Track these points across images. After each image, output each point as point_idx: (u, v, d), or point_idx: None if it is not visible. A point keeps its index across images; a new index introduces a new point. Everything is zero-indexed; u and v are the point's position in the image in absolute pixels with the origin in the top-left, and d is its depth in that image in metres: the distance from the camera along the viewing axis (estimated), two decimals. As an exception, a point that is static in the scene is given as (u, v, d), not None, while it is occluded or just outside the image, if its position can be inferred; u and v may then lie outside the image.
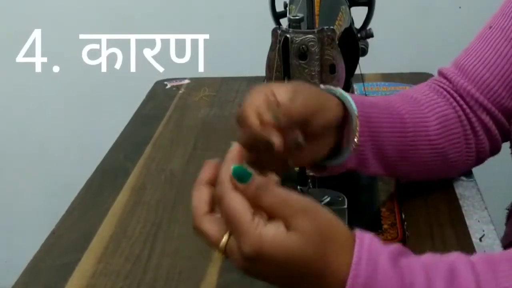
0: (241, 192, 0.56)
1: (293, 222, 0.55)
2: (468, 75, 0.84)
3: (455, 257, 0.58)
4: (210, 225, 0.58)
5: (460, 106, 0.83)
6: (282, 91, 0.67)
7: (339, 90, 0.73)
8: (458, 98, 0.84)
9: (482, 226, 0.79)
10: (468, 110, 0.83)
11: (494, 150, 0.87)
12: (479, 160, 0.87)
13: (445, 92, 0.85)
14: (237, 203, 0.56)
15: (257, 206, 0.56)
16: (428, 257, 0.59)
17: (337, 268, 0.55)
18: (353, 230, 0.58)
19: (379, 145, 0.77)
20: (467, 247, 0.75)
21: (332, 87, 0.73)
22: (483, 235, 0.78)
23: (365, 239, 0.56)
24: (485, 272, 0.56)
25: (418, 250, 0.72)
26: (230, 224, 0.56)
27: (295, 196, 0.56)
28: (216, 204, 0.59)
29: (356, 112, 0.72)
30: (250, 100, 0.65)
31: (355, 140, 0.72)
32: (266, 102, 0.65)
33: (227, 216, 0.56)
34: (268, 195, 0.55)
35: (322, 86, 0.74)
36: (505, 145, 0.88)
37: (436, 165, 0.82)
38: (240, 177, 0.57)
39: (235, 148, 0.61)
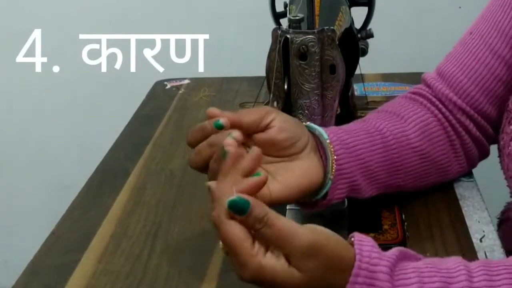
0: (239, 222, 0.56)
1: (294, 261, 0.55)
2: (447, 81, 0.85)
3: (452, 265, 0.59)
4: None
5: (439, 110, 0.84)
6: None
7: (308, 123, 0.74)
8: (437, 103, 0.84)
9: (482, 227, 0.79)
10: (447, 113, 0.83)
11: (482, 153, 0.87)
12: (471, 162, 0.87)
13: (421, 99, 0.85)
14: (235, 230, 0.55)
15: (256, 236, 0.56)
16: (426, 264, 0.59)
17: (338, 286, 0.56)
18: (353, 247, 0.58)
19: (366, 167, 0.76)
20: (467, 248, 0.75)
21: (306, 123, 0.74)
22: (484, 235, 0.77)
23: (364, 252, 0.57)
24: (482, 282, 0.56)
25: (418, 250, 0.72)
26: (230, 250, 0.56)
27: (299, 230, 0.55)
28: None
29: (327, 138, 0.72)
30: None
31: (333, 167, 0.72)
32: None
33: (226, 244, 0.56)
34: (267, 228, 0.55)
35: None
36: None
37: (427, 171, 0.82)
38: (236, 211, 0.55)
39: (229, 159, 0.60)
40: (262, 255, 0.55)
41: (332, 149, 0.72)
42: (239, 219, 0.55)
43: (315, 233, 0.56)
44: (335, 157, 0.72)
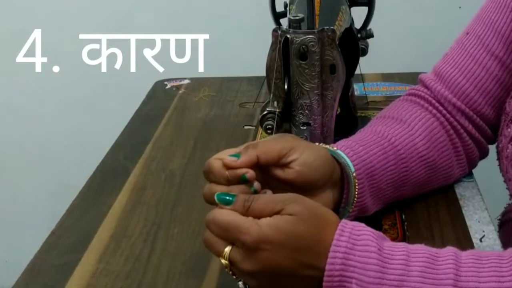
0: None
1: (284, 211, 0.59)
2: (445, 82, 0.85)
3: (443, 248, 0.61)
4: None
5: (440, 112, 0.84)
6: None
7: (336, 150, 0.73)
8: (437, 105, 0.84)
9: (482, 227, 0.79)
10: (448, 115, 0.84)
11: (482, 153, 0.88)
12: (471, 164, 0.87)
13: (422, 102, 0.85)
14: (227, 215, 0.60)
15: (249, 215, 0.59)
16: (416, 245, 0.61)
17: (328, 240, 0.59)
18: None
19: (377, 188, 0.76)
20: (467, 248, 0.74)
21: (326, 146, 0.74)
22: (484, 235, 0.77)
23: (348, 223, 0.61)
24: (469, 262, 0.58)
25: (418, 250, 0.72)
26: (228, 234, 0.59)
27: (282, 194, 0.61)
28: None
29: (353, 172, 0.73)
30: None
31: (354, 201, 0.73)
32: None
33: (222, 230, 0.60)
34: (256, 202, 0.59)
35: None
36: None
37: (432, 178, 0.82)
38: (224, 201, 0.61)
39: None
40: (257, 220, 0.59)
41: (356, 184, 0.73)
42: (231, 208, 0.60)
43: (296, 194, 0.62)
44: (356, 192, 0.73)
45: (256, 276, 0.60)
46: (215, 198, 0.61)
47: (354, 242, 0.58)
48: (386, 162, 0.76)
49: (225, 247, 0.60)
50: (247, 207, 0.59)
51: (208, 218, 0.61)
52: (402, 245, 0.60)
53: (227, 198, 0.61)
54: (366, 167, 0.74)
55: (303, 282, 0.60)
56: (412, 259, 0.58)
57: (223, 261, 0.60)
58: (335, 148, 0.74)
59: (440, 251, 0.60)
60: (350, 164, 0.73)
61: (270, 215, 0.59)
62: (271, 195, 0.63)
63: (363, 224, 0.61)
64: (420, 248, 0.60)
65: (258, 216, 0.59)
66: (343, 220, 0.60)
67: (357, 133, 0.82)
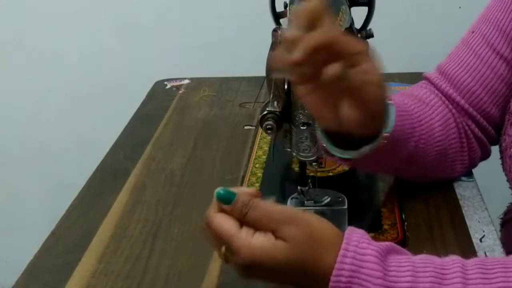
0: (228, 213, 0.60)
1: (279, 232, 0.58)
2: (451, 80, 0.85)
3: (448, 259, 0.59)
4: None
5: (450, 109, 0.84)
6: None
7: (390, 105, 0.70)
8: (447, 102, 0.84)
9: (482, 227, 0.79)
10: (456, 114, 0.84)
11: (484, 154, 0.88)
12: (472, 161, 0.87)
13: (439, 94, 0.85)
14: (223, 221, 0.59)
15: (245, 222, 0.59)
16: (421, 257, 0.60)
17: (327, 264, 0.57)
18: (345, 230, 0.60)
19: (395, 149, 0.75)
20: (468, 248, 0.75)
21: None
22: (484, 235, 0.77)
23: (353, 236, 0.59)
24: (476, 278, 0.57)
25: (418, 250, 0.72)
26: (222, 241, 0.59)
27: (279, 208, 0.60)
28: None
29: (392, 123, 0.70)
30: None
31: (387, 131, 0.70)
32: None
33: (217, 236, 0.60)
34: (253, 211, 0.59)
35: None
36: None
37: (436, 165, 0.82)
38: (224, 199, 0.60)
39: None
40: (250, 236, 0.58)
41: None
42: (228, 208, 0.59)
43: (296, 209, 0.62)
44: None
45: (248, 277, 0.60)
46: (215, 194, 0.60)
47: (358, 264, 0.57)
48: (412, 130, 0.77)
49: (221, 246, 0.60)
50: (244, 213, 0.59)
51: (205, 220, 0.61)
52: (407, 262, 0.58)
53: (228, 195, 0.60)
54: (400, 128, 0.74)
55: None
56: (419, 279, 0.57)
57: (219, 255, 0.61)
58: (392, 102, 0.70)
59: (446, 264, 0.58)
60: (392, 121, 0.70)
61: (265, 229, 0.58)
62: (271, 205, 0.60)
63: (367, 240, 0.58)
64: (426, 264, 0.58)
65: (252, 226, 0.59)
66: (345, 240, 0.58)
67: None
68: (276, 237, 0.58)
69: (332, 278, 0.56)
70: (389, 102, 0.69)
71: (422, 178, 0.84)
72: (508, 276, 0.56)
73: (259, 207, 0.59)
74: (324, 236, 0.59)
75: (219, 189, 0.60)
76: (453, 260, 0.59)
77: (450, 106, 0.84)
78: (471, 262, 0.59)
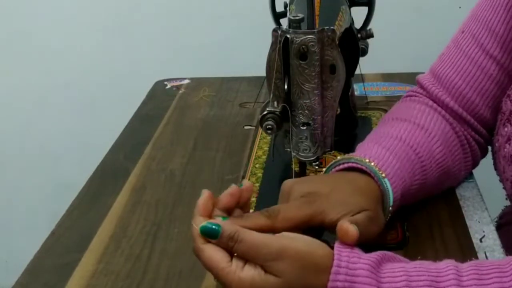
0: (217, 244, 0.59)
1: (269, 268, 0.57)
2: (443, 84, 0.85)
3: (442, 265, 0.59)
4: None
5: (447, 119, 0.84)
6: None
7: (382, 176, 0.72)
8: (443, 112, 0.84)
9: (482, 227, 0.79)
10: (455, 123, 0.84)
11: (483, 153, 0.89)
12: (475, 163, 0.88)
13: (434, 105, 0.84)
14: (212, 254, 0.59)
15: (234, 252, 0.59)
16: (415, 265, 0.59)
17: (321, 286, 0.57)
18: (333, 247, 0.59)
19: (403, 200, 0.76)
20: (468, 248, 0.75)
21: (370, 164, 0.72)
22: (484, 235, 0.77)
23: (343, 253, 0.58)
24: (472, 285, 0.57)
25: (418, 250, 0.72)
26: (213, 274, 0.59)
27: (266, 240, 0.58)
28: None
29: (391, 206, 0.72)
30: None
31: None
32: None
33: (208, 268, 0.60)
34: (239, 245, 0.58)
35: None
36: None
37: (441, 182, 0.83)
38: (208, 235, 0.60)
39: (202, 199, 0.64)
40: (240, 270, 0.58)
41: (390, 211, 0.73)
42: (215, 243, 0.59)
43: (282, 237, 0.59)
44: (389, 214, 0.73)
45: None
46: (199, 231, 0.60)
47: (351, 280, 0.57)
48: (413, 175, 0.77)
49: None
50: (231, 247, 0.58)
51: (194, 252, 0.61)
52: (401, 271, 0.58)
53: (213, 227, 0.59)
54: (402, 191, 0.74)
55: None
56: None
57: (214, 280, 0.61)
58: (383, 176, 0.72)
59: (440, 271, 0.58)
60: (391, 197, 0.72)
61: (254, 261, 0.58)
62: (257, 238, 0.59)
63: (356, 254, 0.59)
64: (420, 272, 0.58)
65: (241, 257, 0.58)
66: (336, 257, 0.58)
67: (375, 132, 0.81)
68: (266, 272, 0.57)
69: None
70: (383, 178, 0.71)
71: (427, 195, 0.84)
72: (503, 282, 0.56)
73: (244, 241, 0.58)
74: (314, 262, 0.58)
75: (203, 225, 0.60)
76: (447, 266, 0.59)
77: (447, 116, 0.83)
78: (466, 267, 0.59)
